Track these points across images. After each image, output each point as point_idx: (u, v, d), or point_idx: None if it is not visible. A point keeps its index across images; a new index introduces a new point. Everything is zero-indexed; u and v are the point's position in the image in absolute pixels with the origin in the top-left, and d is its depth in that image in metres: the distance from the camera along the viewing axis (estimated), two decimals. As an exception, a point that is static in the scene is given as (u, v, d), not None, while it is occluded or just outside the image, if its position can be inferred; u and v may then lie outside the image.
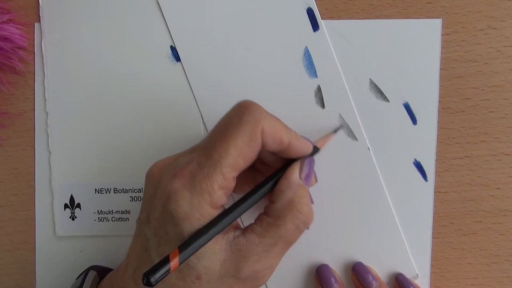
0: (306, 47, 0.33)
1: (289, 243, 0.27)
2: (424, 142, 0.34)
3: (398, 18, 0.33)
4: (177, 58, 0.34)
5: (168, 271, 0.23)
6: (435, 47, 0.33)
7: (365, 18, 0.33)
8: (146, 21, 0.34)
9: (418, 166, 0.34)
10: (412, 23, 0.33)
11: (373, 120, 0.33)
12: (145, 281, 0.23)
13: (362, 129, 0.33)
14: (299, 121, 0.33)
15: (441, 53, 0.33)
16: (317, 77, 0.33)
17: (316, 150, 0.29)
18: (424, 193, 0.34)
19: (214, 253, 0.26)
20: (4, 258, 0.36)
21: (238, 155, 0.25)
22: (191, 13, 0.34)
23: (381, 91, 0.33)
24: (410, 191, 0.34)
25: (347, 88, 0.33)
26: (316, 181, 0.32)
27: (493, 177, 0.34)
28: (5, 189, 0.36)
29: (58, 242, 0.35)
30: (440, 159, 0.34)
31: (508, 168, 0.34)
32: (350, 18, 0.33)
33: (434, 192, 0.34)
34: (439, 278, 0.34)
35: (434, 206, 0.34)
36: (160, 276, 0.23)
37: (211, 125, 0.34)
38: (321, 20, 0.33)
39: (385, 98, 0.33)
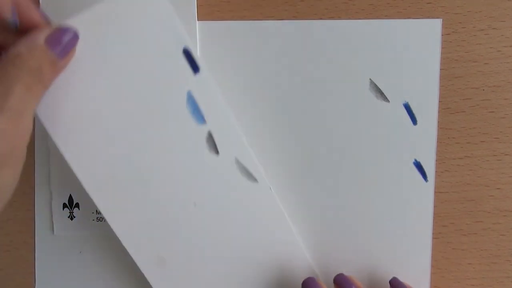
0: (189, 91, 0.31)
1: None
2: (424, 142, 0.34)
3: (398, 18, 0.33)
4: None
5: None
6: (435, 47, 0.33)
7: (365, 18, 0.33)
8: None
9: (418, 166, 0.34)
10: (412, 23, 0.33)
11: (373, 120, 0.33)
12: None
13: (261, 169, 0.32)
14: (195, 173, 0.31)
15: (441, 53, 0.33)
16: (205, 122, 0.31)
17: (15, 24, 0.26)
18: (424, 194, 0.34)
19: None
20: (4, 258, 0.36)
21: None
22: None
23: (381, 91, 0.33)
24: (410, 191, 0.34)
25: (238, 129, 0.32)
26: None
27: (493, 177, 0.34)
28: (5, 189, 0.35)
29: (57, 242, 0.35)
30: (440, 159, 0.34)
31: (508, 168, 0.34)
32: (350, 18, 0.33)
33: (434, 192, 0.34)
34: (439, 278, 0.34)
35: (434, 207, 0.34)
36: None
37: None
38: (200, 62, 0.31)
39: (385, 98, 0.33)
